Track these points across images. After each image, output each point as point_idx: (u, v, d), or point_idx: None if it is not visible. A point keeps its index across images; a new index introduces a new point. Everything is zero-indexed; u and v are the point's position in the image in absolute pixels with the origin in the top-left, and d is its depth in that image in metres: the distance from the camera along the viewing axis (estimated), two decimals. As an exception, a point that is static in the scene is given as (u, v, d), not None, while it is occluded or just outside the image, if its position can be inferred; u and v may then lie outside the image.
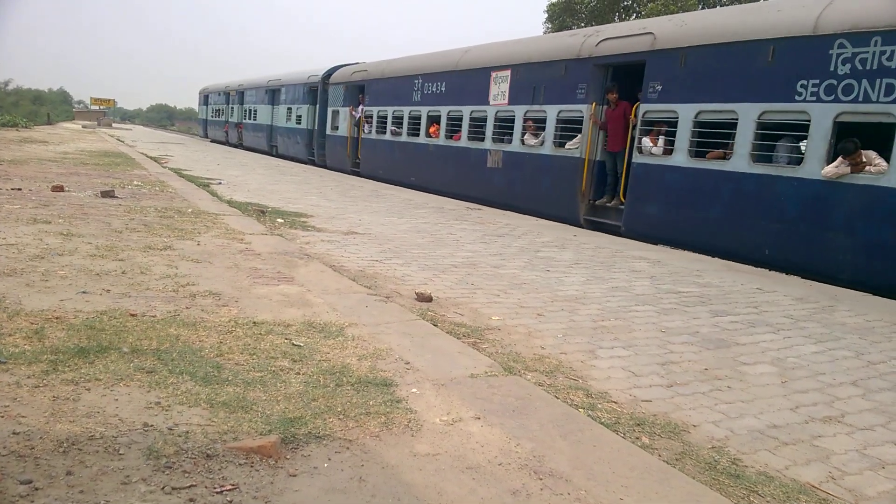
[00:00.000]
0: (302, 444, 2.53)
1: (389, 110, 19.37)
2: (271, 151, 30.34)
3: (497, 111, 14.61)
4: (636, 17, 40.66)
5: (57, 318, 3.68)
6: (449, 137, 16.50)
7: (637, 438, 3.07)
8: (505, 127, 14.44)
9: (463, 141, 15.85)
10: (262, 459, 2.37)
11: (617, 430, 3.10)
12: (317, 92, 24.80)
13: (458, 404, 3.11)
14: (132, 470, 2.22)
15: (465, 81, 15.85)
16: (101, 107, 71.35)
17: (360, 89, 21.51)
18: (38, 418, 2.51)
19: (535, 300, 5.66)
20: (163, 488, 2.13)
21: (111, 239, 6.09)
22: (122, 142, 30.22)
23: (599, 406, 3.41)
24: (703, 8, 38.63)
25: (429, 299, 5.20)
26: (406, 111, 18.45)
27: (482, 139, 15.07)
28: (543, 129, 13.30)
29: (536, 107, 13.48)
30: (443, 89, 16.80)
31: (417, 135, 17.90)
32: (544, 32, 44.97)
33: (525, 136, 13.82)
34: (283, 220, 8.88)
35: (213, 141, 42.33)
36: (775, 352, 4.73)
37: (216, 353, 3.41)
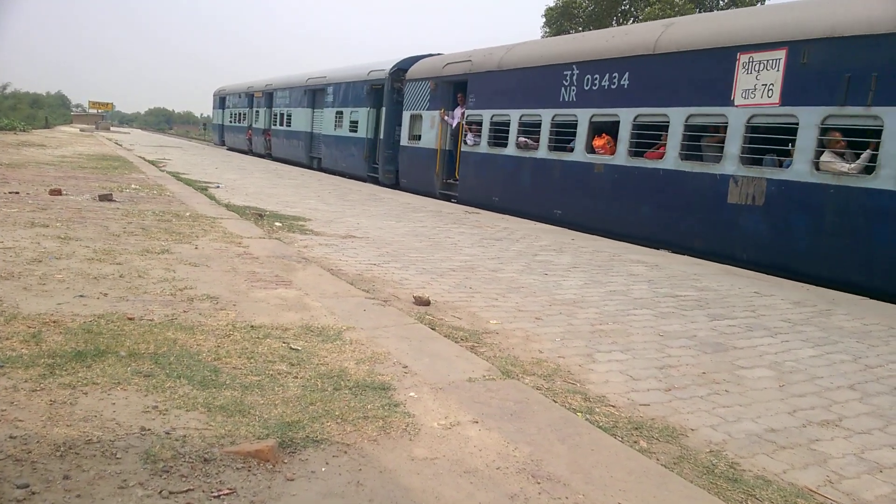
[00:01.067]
0: (299, 448, 2.53)
1: (514, 114, 14.07)
2: (311, 164, 25.56)
3: (751, 114, 9.35)
4: (633, 21, 40.77)
5: (54, 322, 3.67)
6: (637, 154, 11.21)
7: (635, 442, 3.07)
8: (770, 139, 9.26)
9: (670, 161, 10.49)
10: (259, 464, 2.37)
11: (615, 434, 3.10)
12: (381, 91, 19.80)
13: (456, 408, 3.11)
14: (129, 474, 2.21)
15: (673, 70, 10.69)
16: (99, 110, 71.38)
17: (459, 87, 16.31)
18: (35, 422, 2.50)
19: (533, 304, 5.66)
20: (160, 492, 2.12)
21: (109, 243, 6.09)
22: (120, 145, 30.21)
23: (597, 410, 3.41)
24: (699, 12, 38.73)
25: (427, 303, 5.20)
26: (546, 116, 13.19)
27: (717, 159, 9.80)
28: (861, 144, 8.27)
29: (854, 109, 8.16)
30: (624, 83, 11.58)
31: (566, 149, 12.74)
32: (542, 37, 45.10)
33: (823, 156, 8.50)
34: (280, 224, 8.87)
35: (230, 149, 37.59)
36: (773, 355, 4.74)
37: (214, 357, 3.40)
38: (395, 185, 18.94)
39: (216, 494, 2.15)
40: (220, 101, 41.59)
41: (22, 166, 14.08)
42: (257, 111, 32.87)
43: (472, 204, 14.98)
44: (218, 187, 13.47)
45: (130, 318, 3.88)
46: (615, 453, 2.82)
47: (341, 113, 22.70)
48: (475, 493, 2.36)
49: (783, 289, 7.63)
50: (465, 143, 15.64)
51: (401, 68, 19.02)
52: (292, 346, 3.70)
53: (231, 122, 38.70)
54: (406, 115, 18.28)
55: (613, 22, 41.69)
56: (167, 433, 2.52)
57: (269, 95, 31.11)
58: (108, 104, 73.25)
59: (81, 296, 4.26)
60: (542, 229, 11.63)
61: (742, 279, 8.04)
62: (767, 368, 4.42)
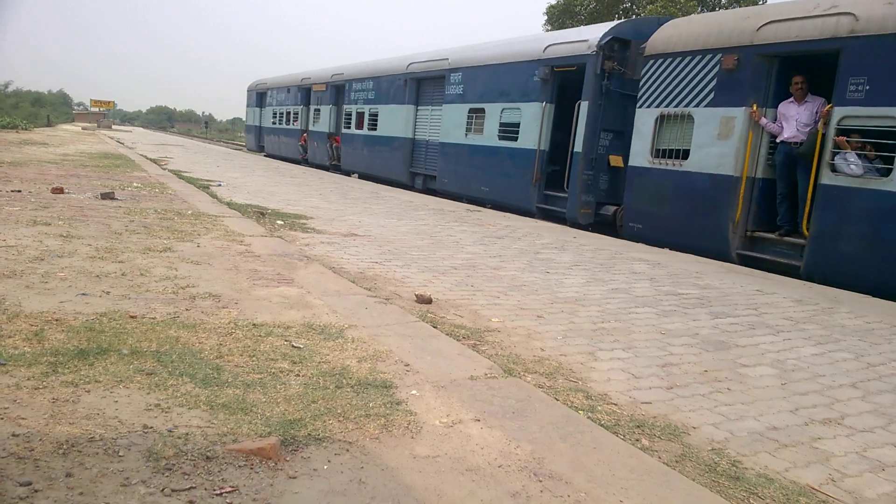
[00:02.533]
0: (302, 445, 2.53)
1: None
2: (412, 183, 18.73)
3: None
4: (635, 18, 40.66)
5: (56, 320, 3.68)
6: None
7: (637, 440, 3.07)
8: None
9: None
10: (261, 461, 2.37)
11: (617, 432, 3.10)
12: (570, 77, 12.92)
13: (458, 406, 3.11)
14: (132, 472, 2.22)
15: None
16: (101, 109, 71.46)
17: (803, 63, 9.22)
18: (38, 420, 2.51)
19: (535, 302, 5.66)
20: (162, 490, 2.13)
21: (111, 241, 6.09)
22: (122, 144, 30.25)
23: (599, 408, 3.41)
24: (701, 11, 38.72)
25: (428, 301, 5.20)
26: None
27: None
28: None
29: None
30: None
31: None
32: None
33: None
34: (282, 222, 8.88)
35: (271, 156, 31.07)
36: (775, 354, 4.73)
37: (216, 355, 3.41)
38: (600, 228, 12.27)
39: (218, 492, 2.15)
40: (258, 97, 33.90)
41: (24, 165, 14.09)
42: (317, 109, 25.58)
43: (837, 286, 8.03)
44: (220, 185, 13.47)
45: (133, 317, 3.88)
46: (617, 451, 2.82)
47: (481, 112, 15.51)
48: (477, 491, 2.36)
49: (785, 287, 7.62)
50: (844, 170, 8.31)
51: (618, 38, 12.05)
52: (294, 345, 3.71)
53: (274, 122, 31.12)
54: (648, 116, 10.98)
55: (615, 20, 41.60)
56: (169, 431, 2.52)
57: (336, 89, 24.05)
58: (109, 102, 73.39)
59: (83, 294, 4.27)
60: (543, 227, 11.62)
61: (744, 277, 8.03)
62: (769, 367, 4.42)
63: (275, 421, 2.70)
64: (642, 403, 3.56)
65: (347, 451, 2.54)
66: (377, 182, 19.73)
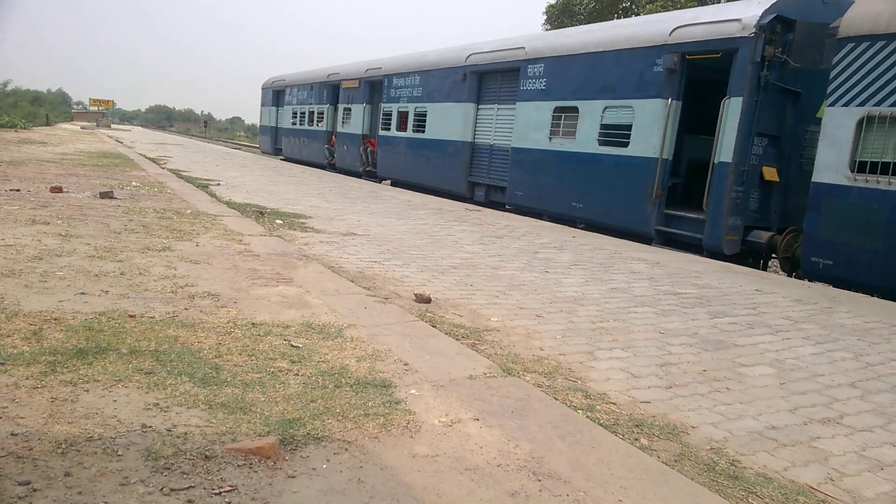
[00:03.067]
0: (301, 445, 2.53)
1: None
2: (470, 195, 16.22)
3: None
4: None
5: (55, 320, 3.67)
6: None
7: (636, 440, 3.07)
8: None
9: None
10: (260, 461, 2.37)
11: (616, 432, 3.10)
12: (713, 66, 10.62)
13: (457, 405, 3.11)
14: (131, 471, 2.21)
15: None
16: (100, 108, 71.37)
17: None
18: (37, 419, 2.50)
19: (534, 301, 5.66)
20: (161, 489, 2.13)
21: (110, 240, 6.09)
22: (121, 143, 30.22)
23: (598, 407, 3.41)
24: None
25: (428, 300, 5.20)
26: None
27: None
28: None
29: None
30: None
31: None
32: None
33: None
34: (282, 222, 8.88)
35: (289, 160, 28.59)
36: (774, 353, 4.74)
37: (215, 355, 3.40)
38: (744, 259, 10.37)
39: (217, 491, 2.15)
40: (274, 96, 31.24)
41: (23, 164, 14.08)
42: (347, 109, 22.74)
43: None
44: (219, 185, 13.47)
45: (131, 316, 3.88)
46: (616, 451, 2.82)
47: (572, 111, 12.67)
48: (476, 491, 2.36)
49: (784, 286, 7.62)
50: None
51: (782, 17, 9.65)
52: (293, 344, 3.70)
53: (295, 123, 28.15)
54: (844, 118, 8.51)
55: (615, 19, 41.61)
56: (168, 430, 2.52)
57: (371, 86, 21.41)
58: (108, 102, 73.30)
59: (82, 293, 4.26)
60: (543, 226, 11.62)
61: (743, 277, 8.04)
62: (768, 366, 4.42)
63: (274, 420, 2.70)
64: (641, 403, 3.56)
65: (346, 450, 2.54)
66: (423, 192, 17.07)
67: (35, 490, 2.05)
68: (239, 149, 47.07)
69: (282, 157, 30.08)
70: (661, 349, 4.58)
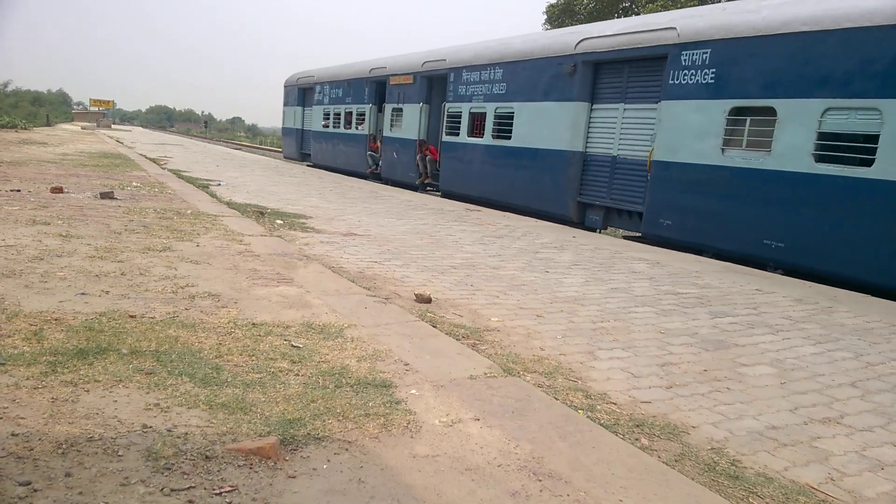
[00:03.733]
0: (301, 445, 2.53)
1: None
2: (579, 219, 12.95)
3: None
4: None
5: (56, 320, 3.68)
6: None
7: (636, 440, 3.07)
8: None
9: None
10: (261, 461, 2.37)
11: (616, 432, 3.10)
12: None
13: (458, 405, 3.11)
14: (131, 471, 2.22)
15: None
16: (101, 108, 71.41)
17: None
18: (37, 420, 2.50)
19: (535, 301, 5.66)
20: (162, 490, 2.13)
21: (110, 240, 6.09)
22: (122, 143, 30.23)
23: (599, 407, 3.41)
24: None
25: (428, 300, 5.20)
26: None
27: None
28: None
29: None
30: None
31: None
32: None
33: None
34: (282, 222, 8.88)
35: (317, 166, 25.04)
36: (774, 353, 4.73)
37: (215, 355, 3.40)
38: None
39: (218, 492, 2.15)
40: (300, 94, 27.30)
41: (23, 164, 14.08)
42: (398, 109, 19.07)
43: None
44: (219, 185, 13.47)
45: (132, 316, 3.88)
46: (616, 451, 2.82)
47: (764, 113, 9.42)
48: (476, 491, 2.36)
49: (784, 286, 7.62)
50: None
51: None
52: (294, 344, 3.71)
53: (327, 126, 24.26)
54: None
55: (615, 18, 41.62)
56: (169, 430, 2.52)
57: (430, 82, 17.94)
58: (109, 102, 73.33)
59: (83, 293, 4.27)
60: (543, 226, 11.61)
61: (743, 276, 8.03)
62: (769, 366, 4.42)
63: (274, 420, 2.70)
64: (642, 403, 3.56)
65: (347, 450, 2.54)
66: (503, 210, 13.89)
67: (36, 490, 2.06)
68: (239, 149, 47.04)
69: (309, 164, 26.21)
70: (662, 349, 4.58)
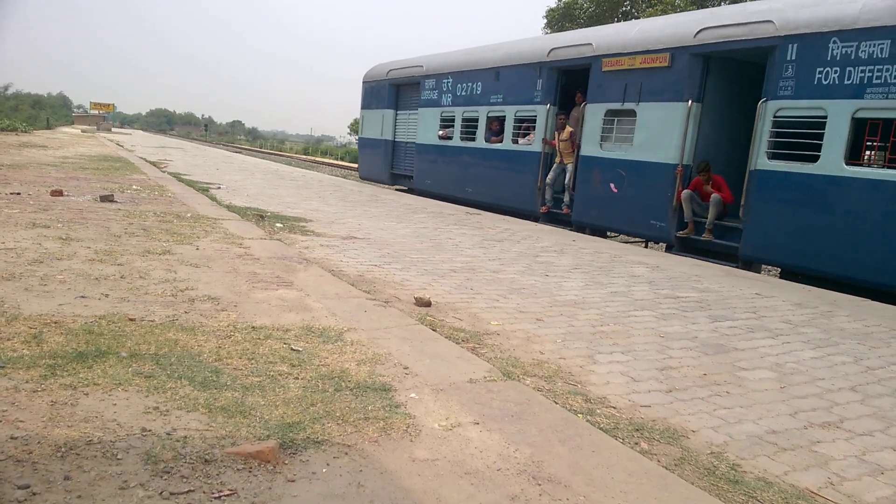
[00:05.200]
0: (300, 449, 2.53)
1: None
2: None
3: None
4: (635, 22, 40.70)
5: (55, 323, 3.67)
6: None
7: (636, 444, 3.06)
8: None
9: None
10: (260, 465, 2.37)
11: (616, 436, 3.10)
12: None
13: (457, 409, 3.10)
14: (130, 475, 2.21)
15: None
16: (101, 111, 71.55)
17: None
18: (37, 423, 2.50)
19: (535, 305, 5.65)
20: (161, 493, 2.12)
21: (110, 243, 6.09)
22: (122, 146, 30.25)
23: (598, 411, 3.41)
24: (701, 14, 38.73)
25: (428, 304, 5.20)
26: None
27: None
28: None
29: None
30: None
31: None
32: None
33: None
34: (282, 225, 8.88)
35: (423, 193, 17.84)
36: (774, 357, 4.73)
37: (215, 358, 3.40)
38: None
39: (217, 495, 2.15)
40: (392, 92, 19.76)
41: (23, 167, 14.09)
42: (624, 113, 11.79)
43: None
44: (219, 188, 13.47)
45: (132, 319, 3.88)
46: (616, 455, 2.82)
47: None
48: (476, 495, 2.35)
49: (784, 290, 7.62)
50: None
51: None
52: (293, 348, 3.70)
53: (449, 136, 16.87)
54: None
55: (615, 22, 41.70)
56: (168, 434, 2.52)
57: (723, 65, 10.81)
58: (109, 105, 73.49)
59: (82, 296, 4.26)
60: (543, 230, 11.62)
61: (743, 280, 8.03)
62: (768, 370, 4.42)
63: (273, 424, 2.70)
64: (641, 407, 3.56)
65: (346, 454, 2.54)
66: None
67: (34, 494, 2.05)
68: (240, 152, 47.04)
69: (406, 189, 19.30)
70: (662, 353, 4.58)
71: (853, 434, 3.45)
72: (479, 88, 15.67)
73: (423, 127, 17.93)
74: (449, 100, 16.85)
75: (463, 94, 16.30)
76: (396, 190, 19.87)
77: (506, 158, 14.77)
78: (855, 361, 4.82)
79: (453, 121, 16.61)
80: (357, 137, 23.57)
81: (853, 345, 5.29)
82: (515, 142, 14.45)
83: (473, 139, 15.82)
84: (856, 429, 3.52)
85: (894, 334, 5.80)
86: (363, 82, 21.54)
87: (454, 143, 16.61)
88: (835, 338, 5.47)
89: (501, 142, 14.79)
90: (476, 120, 15.71)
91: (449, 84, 16.86)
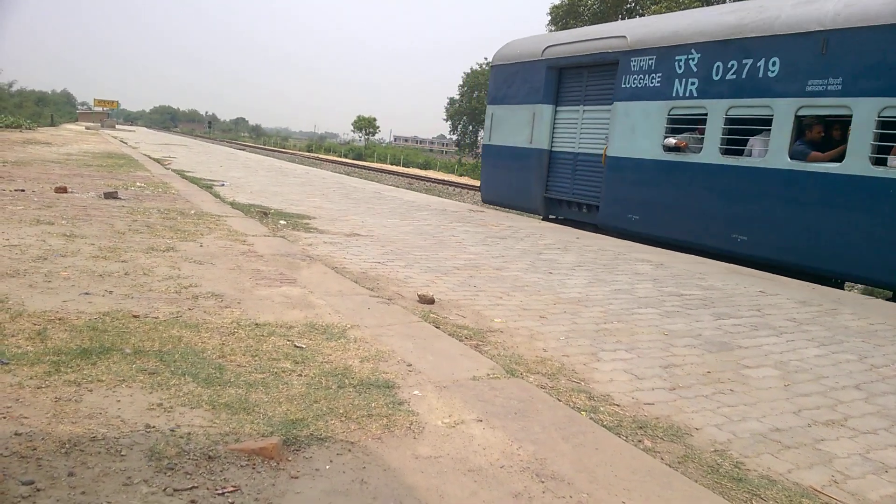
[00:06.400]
0: (304, 445, 2.53)
1: None
2: None
3: None
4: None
5: (59, 320, 3.68)
6: None
7: (639, 441, 3.06)
8: None
9: None
10: (263, 461, 2.37)
11: (619, 433, 3.10)
12: None
13: (460, 406, 3.10)
14: (134, 471, 2.22)
15: None
16: (105, 108, 71.64)
17: None
18: (41, 419, 2.51)
19: (538, 302, 5.65)
20: (164, 489, 2.13)
21: (114, 240, 6.10)
22: (126, 143, 30.31)
23: (602, 409, 3.41)
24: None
25: (431, 301, 5.20)
26: None
27: None
28: None
29: None
30: None
31: None
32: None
33: None
34: (285, 222, 8.88)
35: (577, 224, 12.74)
36: (778, 355, 4.72)
37: (218, 355, 3.41)
38: None
39: (220, 492, 2.15)
40: (552, 78, 13.26)
41: (28, 164, 14.12)
42: None
43: None
44: (223, 185, 13.49)
45: (135, 316, 3.89)
46: (619, 452, 2.82)
47: None
48: (479, 492, 2.35)
49: (788, 288, 7.60)
50: None
51: None
52: (297, 344, 3.71)
53: (683, 146, 10.56)
54: None
55: (619, 20, 41.69)
56: (172, 430, 2.52)
57: None
58: (113, 102, 73.60)
59: (86, 293, 4.27)
60: (546, 227, 11.60)
61: (747, 278, 8.01)
62: (772, 368, 4.41)
63: (277, 421, 2.70)
64: (645, 404, 3.55)
65: (349, 451, 2.54)
66: None
67: (39, 490, 2.06)
68: (243, 149, 47.06)
69: (575, 222, 13.07)
70: (665, 350, 4.57)
71: (857, 432, 3.44)
72: (776, 68, 9.28)
73: (622, 131, 11.59)
74: (691, 87, 10.52)
75: (729, 77, 9.92)
76: (552, 222, 13.35)
77: (856, 192, 8.24)
78: (859, 359, 4.80)
79: (698, 122, 10.44)
80: (481, 144, 15.04)
81: (858, 343, 5.27)
82: (883, 163, 7.97)
83: (761, 154, 9.42)
84: (860, 427, 3.52)
85: (899, 332, 5.78)
86: (493, 66, 15.31)
87: (702, 159, 10.25)
88: (839, 336, 5.45)
89: (841, 160, 8.35)
90: (764, 120, 9.42)
91: (693, 62, 10.53)
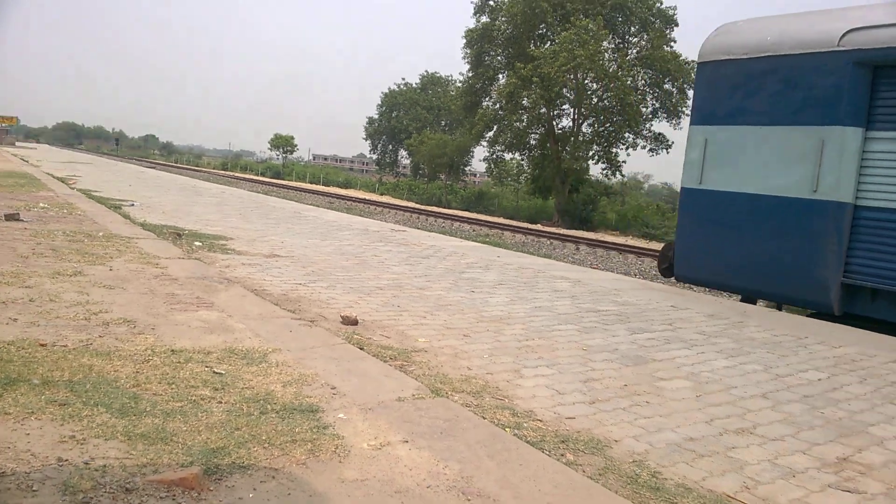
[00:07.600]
0: (225, 474, 2.47)
1: None
2: None
3: None
4: (550, 44, 41.88)
5: (-42, 350, 3.47)
6: None
7: (562, 455, 3.12)
8: None
9: None
10: (184, 492, 2.30)
11: (542, 448, 3.15)
12: None
13: (386, 428, 3.10)
14: (45, 509, 2.11)
15: None
16: (3, 124, 68.02)
17: None
18: (-61, 458, 2.35)
19: (461, 321, 5.70)
20: (78, 527, 2.03)
21: (17, 265, 5.79)
22: (27, 161, 28.86)
23: (525, 425, 3.46)
24: (612, 37, 40.39)
25: (354, 322, 5.16)
26: None
27: None
28: None
29: None
30: None
31: None
32: (463, 58, 46.19)
33: None
34: (201, 244, 8.65)
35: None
36: (690, 367, 4.92)
37: (133, 384, 3.28)
38: None
39: (139, 526, 2.07)
40: (863, 82, 7.54)
41: (-82, 184, 13.25)
42: None
43: None
44: (133, 205, 13.03)
45: (42, 345, 3.70)
46: (543, 467, 2.87)
47: None
48: (407, 513, 2.35)
49: (698, 302, 7.94)
50: None
51: None
52: (215, 371, 3.61)
53: None
54: None
55: (531, 45, 42.78)
56: (86, 463, 2.41)
57: None
58: (12, 118, 69.99)
59: (-13, 321, 4.04)
60: (468, 247, 11.72)
61: (658, 293, 8.32)
62: (685, 379, 4.59)
63: (197, 450, 2.62)
64: (566, 419, 3.63)
65: (273, 478, 2.49)
66: None
67: (-61, 533, 1.93)
68: (154, 167, 45.59)
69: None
70: (585, 365, 4.69)
71: (766, 439, 3.62)
72: None
73: None
74: None
75: None
76: (858, 327, 7.47)
77: None
78: (765, 369, 5.06)
79: None
80: (681, 187, 9.69)
81: (763, 353, 5.55)
82: None
83: None
84: (768, 434, 3.70)
85: (801, 343, 6.12)
86: (703, 64, 9.47)
87: None
88: (746, 347, 5.73)
89: None
90: None
91: None
